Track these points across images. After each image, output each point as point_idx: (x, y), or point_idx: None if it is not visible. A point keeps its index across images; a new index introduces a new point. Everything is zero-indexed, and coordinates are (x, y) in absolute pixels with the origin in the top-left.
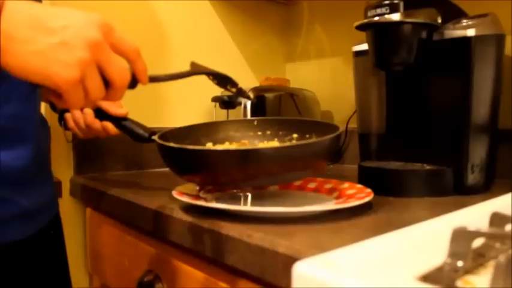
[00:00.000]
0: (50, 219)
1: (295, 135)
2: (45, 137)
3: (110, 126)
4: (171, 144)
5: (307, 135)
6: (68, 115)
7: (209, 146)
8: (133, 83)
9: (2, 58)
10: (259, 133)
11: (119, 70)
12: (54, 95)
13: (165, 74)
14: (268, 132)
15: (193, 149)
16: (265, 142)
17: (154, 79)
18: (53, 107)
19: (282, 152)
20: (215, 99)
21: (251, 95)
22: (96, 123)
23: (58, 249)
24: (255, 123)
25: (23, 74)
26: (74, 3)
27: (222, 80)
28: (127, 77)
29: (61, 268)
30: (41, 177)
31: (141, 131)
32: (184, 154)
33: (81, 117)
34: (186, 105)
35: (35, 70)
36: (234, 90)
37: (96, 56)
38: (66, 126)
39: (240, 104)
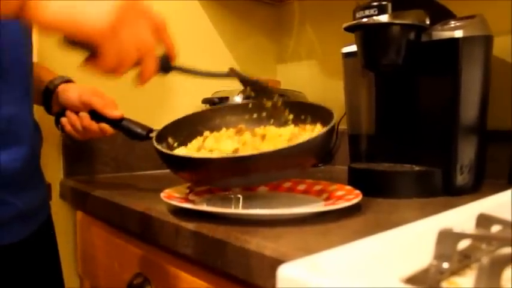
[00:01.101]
0: (43, 221)
1: (290, 116)
2: (38, 139)
3: (106, 127)
4: (165, 151)
5: (302, 117)
6: (64, 120)
7: (206, 135)
8: (166, 63)
9: (34, 11)
10: (255, 115)
11: (146, 35)
12: (90, 57)
13: (195, 69)
14: (264, 114)
15: (187, 156)
16: (262, 127)
17: (180, 69)
18: (48, 110)
19: (275, 155)
20: (205, 101)
21: (288, 117)
22: (93, 125)
23: (51, 251)
24: (250, 106)
25: (54, 26)
26: None
27: (259, 90)
28: (152, 45)
29: (54, 270)
30: (35, 180)
31: (138, 130)
32: (178, 160)
33: (78, 120)
34: (175, 107)
35: (67, 20)
36: (269, 104)
37: (129, 13)
38: (63, 129)
39: None
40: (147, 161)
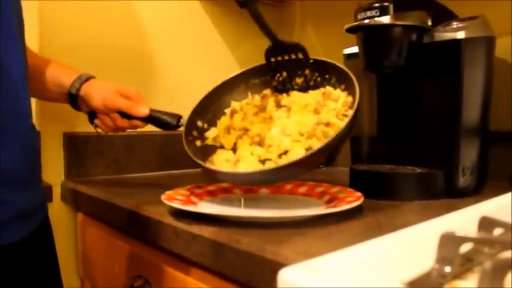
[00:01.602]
0: (41, 220)
1: (319, 79)
2: (36, 139)
3: (138, 122)
4: (194, 158)
5: (327, 76)
6: (97, 121)
7: (233, 108)
8: None
9: None
10: (278, 75)
11: None
12: None
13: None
14: (285, 74)
15: (217, 170)
16: (285, 95)
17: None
18: (78, 110)
19: (300, 163)
20: None
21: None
22: (125, 123)
23: (49, 251)
24: (272, 64)
25: None
26: (62, 3)
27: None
28: None
29: (53, 270)
30: (34, 179)
31: (168, 119)
32: (208, 170)
33: (110, 121)
34: (178, 110)
35: None
36: (300, 80)
37: None
38: (96, 126)
39: None
40: (148, 163)
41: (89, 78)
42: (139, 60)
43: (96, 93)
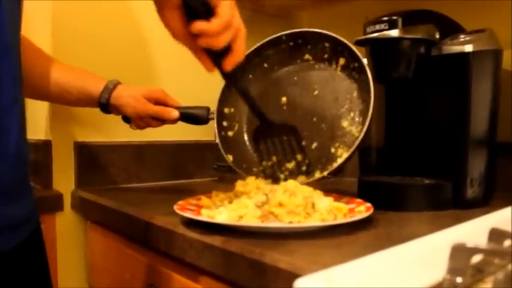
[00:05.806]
0: (31, 231)
1: (327, 45)
2: (26, 151)
3: (170, 122)
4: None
5: (339, 48)
6: (132, 125)
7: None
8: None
9: None
10: (291, 43)
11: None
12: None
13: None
14: (300, 41)
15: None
16: (299, 61)
17: (243, 90)
18: (105, 111)
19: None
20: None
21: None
22: (158, 123)
23: (39, 261)
24: (284, 38)
25: None
26: (75, 3)
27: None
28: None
29: (43, 280)
30: (23, 191)
31: (199, 113)
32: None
33: (146, 124)
34: None
35: None
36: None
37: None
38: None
39: None
40: (158, 172)
41: (115, 85)
42: (138, 69)
43: (127, 102)
